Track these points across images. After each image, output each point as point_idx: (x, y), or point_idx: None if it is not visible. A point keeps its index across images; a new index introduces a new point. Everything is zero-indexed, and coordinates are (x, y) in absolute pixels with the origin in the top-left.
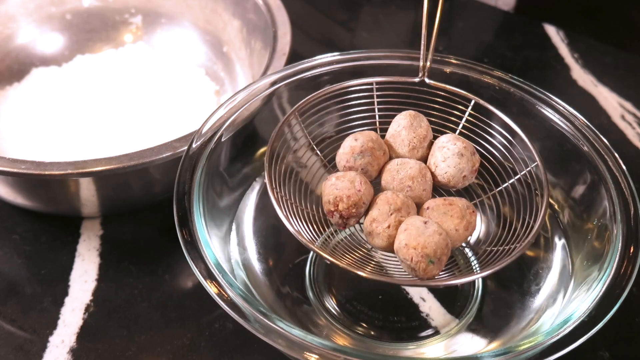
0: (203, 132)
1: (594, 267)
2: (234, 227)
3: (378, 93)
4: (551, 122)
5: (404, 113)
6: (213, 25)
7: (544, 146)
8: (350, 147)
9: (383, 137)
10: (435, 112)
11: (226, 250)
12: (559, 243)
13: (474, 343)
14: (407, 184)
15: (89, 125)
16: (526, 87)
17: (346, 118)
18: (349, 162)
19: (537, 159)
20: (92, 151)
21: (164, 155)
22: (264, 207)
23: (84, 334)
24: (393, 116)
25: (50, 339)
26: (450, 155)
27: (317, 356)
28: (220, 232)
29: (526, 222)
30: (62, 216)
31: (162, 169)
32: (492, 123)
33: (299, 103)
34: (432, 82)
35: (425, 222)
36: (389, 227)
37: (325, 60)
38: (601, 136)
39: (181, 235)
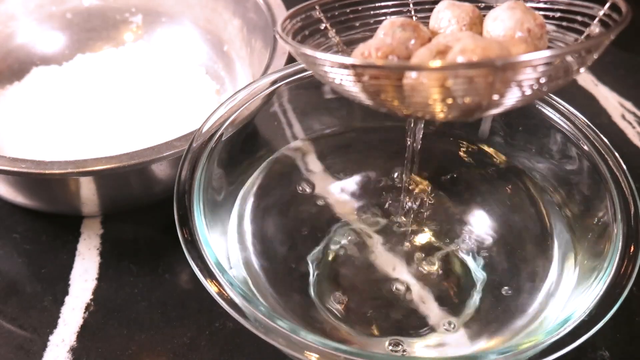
0: (203, 131)
1: (594, 266)
2: (234, 226)
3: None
4: (551, 122)
5: (441, 2)
6: (213, 24)
7: (544, 146)
8: (390, 21)
9: None
10: None
11: (227, 249)
12: (559, 242)
13: (473, 343)
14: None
15: (90, 124)
16: None
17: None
18: (387, 34)
19: None
20: (93, 150)
21: (165, 154)
22: (264, 207)
23: (84, 333)
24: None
25: (51, 338)
26: (500, 13)
27: (317, 355)
28: (221, 231)
29: None
30: (62, 215)
31: (163, 168)
32: None
33: None
34: None
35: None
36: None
37: None
38: (601, 135)
39: (181, 234)
